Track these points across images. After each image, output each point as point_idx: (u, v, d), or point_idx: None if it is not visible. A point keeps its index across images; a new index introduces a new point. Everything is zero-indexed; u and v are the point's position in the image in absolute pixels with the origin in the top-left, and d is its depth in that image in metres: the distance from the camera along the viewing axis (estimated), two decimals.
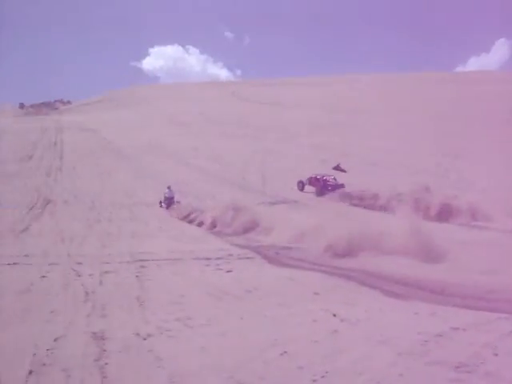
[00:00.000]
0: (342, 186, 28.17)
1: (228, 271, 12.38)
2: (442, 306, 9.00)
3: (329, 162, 35.19)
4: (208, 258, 13.90)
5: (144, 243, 16.73)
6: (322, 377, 5.98)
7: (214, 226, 20.22)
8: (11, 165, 40.39)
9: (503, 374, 5.86)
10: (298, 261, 13.65)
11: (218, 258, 13.92)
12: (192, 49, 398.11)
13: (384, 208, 22.22)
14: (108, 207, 25.93)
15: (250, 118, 63.07)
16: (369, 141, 42.83)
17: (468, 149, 35.93)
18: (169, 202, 26.36)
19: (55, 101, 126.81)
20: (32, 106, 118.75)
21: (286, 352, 6.73)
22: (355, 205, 24.71)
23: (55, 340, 7.40)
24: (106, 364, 6.58)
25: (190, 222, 22.17)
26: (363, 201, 24.74)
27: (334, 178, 29.32)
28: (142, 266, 12.90)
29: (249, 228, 18.79)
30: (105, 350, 7.03)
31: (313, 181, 29.77)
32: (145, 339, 7.47)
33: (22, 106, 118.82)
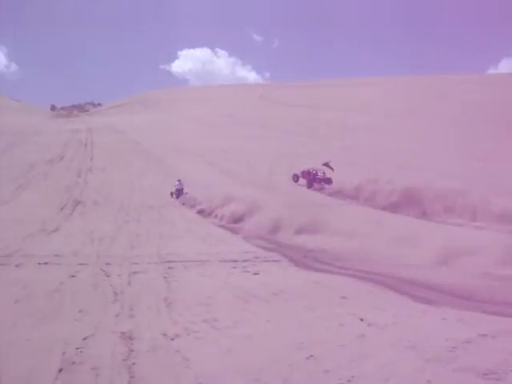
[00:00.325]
0: (330, 180, 31.21)
1: (255, 273, 12.38)
2: (470, 311, 8.87)
3: (356, 164, 34.99)
4: (235, 260, 13.93)
5: (172, 244, 16.85)
6: (348, 381, 5.93)
7: (234, 220, 20.78)
8: (44, 165, 41.17)
9: None
10: (326, 264, 13.60)
11: (245, 261, 13.93)
12: (221, 51, 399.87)
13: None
14: (137, 208, 26.23)
15: (278, 121, 63.10)
16: (398, 143, 42.44)
17: (499, 153, 35.28)
18: (178, 192, 30.78)
19: (86, 103, 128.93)
20: (63, 108, 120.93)
21: (312, 355, 6.71)
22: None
23: (84, 339, 7.48)
24: (134, 364, 6.63)
25: (209, 214, 24.76)
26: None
27: (323, 173, 32.28)
28: (170, 268, 12.99)
29: (276, 228, 18.92)
30: (133, 350, 7.09)
31: (305, 174, 33.21)
32: (172, 340, 7.51)
33: (53, 107, 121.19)
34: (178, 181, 31.34)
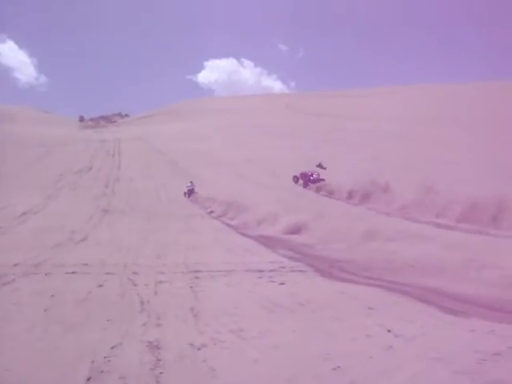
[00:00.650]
0: (323, 180, 35.80)
1: (281, 284, 12.34)
2: (500, 323, 8.69)
3: (383, 174, 34.69)
4: (261, 270, 13.90)
5: (198, 254, 16.93)
6: None
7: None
8: (73, 175, 41.84)
9: None
10: (352, 274, 13.48)
11: (271, 271, 13.90)
12: (246, 62, 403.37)
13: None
14: (163, 218, 26.46)
15: (305, 130, 63.14)
16: (428, 152, 41.97)
17: None
18: (190, 192, 36.01)
19: (113, 114, 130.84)
20: (91, 119, 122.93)
21: (338, 367, 6.65)
22: None
23: (112, 348, 7.56)
24: (161, 373, 6.67)
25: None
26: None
27: (318, 174, 37.49)
28: (196, 277, 13.04)
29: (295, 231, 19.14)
30: (160, 359, 7.14)
31: (302, 175, 38.49)
32: (199, 349, 7.54)
33: (81, 118, 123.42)
34: (190, 182, 37.06)
